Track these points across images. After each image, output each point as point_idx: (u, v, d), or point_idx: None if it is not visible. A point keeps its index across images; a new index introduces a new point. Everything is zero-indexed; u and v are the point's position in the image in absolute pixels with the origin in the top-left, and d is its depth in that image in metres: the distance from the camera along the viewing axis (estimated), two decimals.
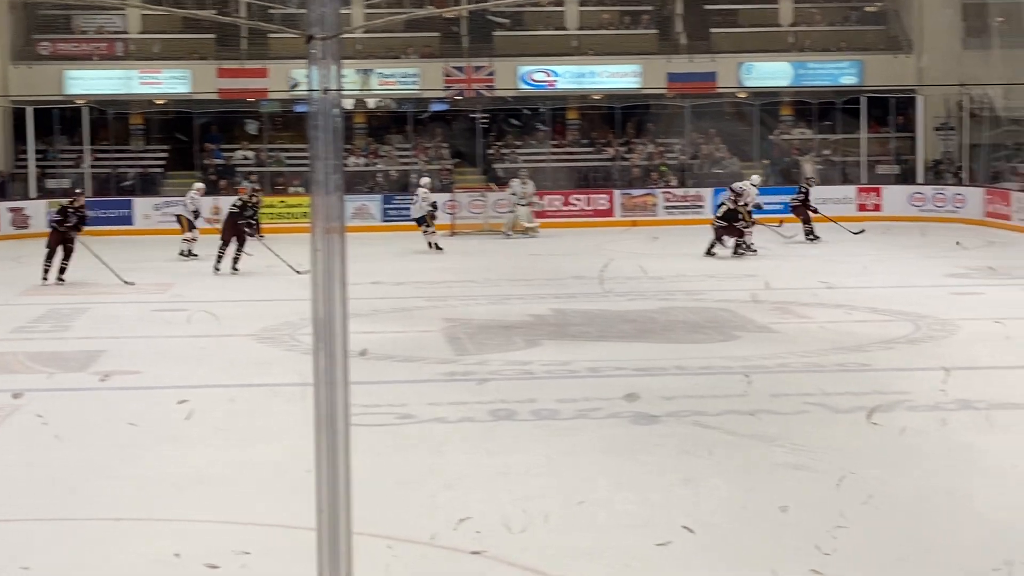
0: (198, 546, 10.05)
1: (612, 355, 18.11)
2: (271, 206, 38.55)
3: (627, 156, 42.46)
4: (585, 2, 44.26)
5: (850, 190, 40.27)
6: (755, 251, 30.07)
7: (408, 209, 35.89)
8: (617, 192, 39.90)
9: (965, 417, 14.04)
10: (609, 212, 39.16)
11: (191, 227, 32.06)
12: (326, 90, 6.72)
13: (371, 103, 44.27)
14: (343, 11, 7.12)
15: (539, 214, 37.54)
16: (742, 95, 43.22)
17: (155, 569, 9.69)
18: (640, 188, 40.45)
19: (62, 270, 26.59)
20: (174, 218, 33.75)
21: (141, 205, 39.10)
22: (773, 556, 9.78)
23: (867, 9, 44.90)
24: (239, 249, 27.77)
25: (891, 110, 42.85)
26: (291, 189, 40.12)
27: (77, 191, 30.38)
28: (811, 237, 33.04)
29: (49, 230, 27.40)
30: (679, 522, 10.34)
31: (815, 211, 33.76)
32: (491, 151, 42.85)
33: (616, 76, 42.86)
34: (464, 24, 42.87)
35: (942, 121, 42.11)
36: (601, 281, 23.83)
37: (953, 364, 16.29)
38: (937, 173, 41.36)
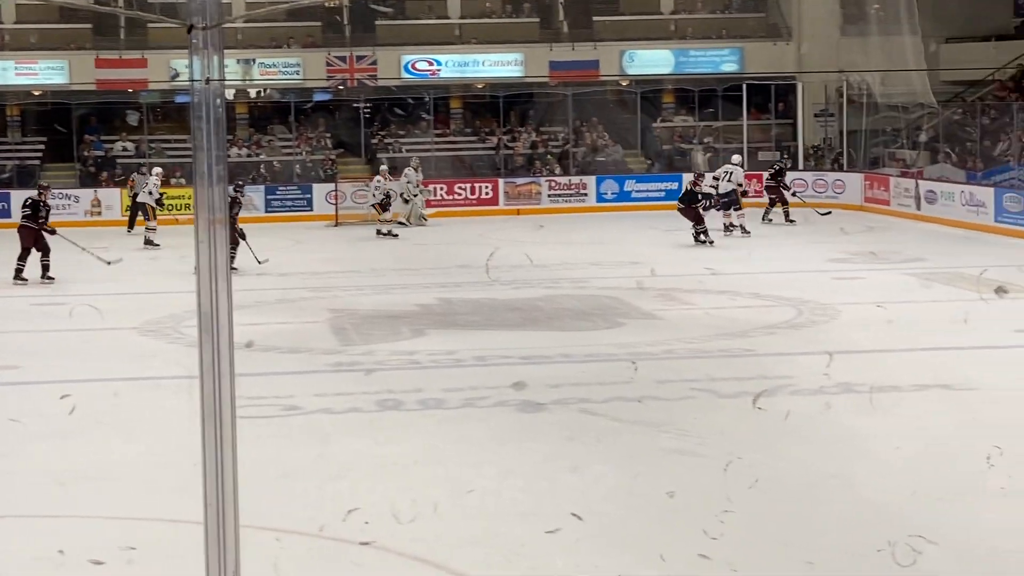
0: (82, 543, 9.93)
1: (498, 344, 18.15)
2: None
3: (510, 145, 42.50)
4: None
5: None
6: (748, 232, 31.10)
7: (294, 200, 35.76)
8: (501, 181, 39.91)
9: (848, 401, 14.23)
10: (494, 201, 39.17)
11: (154, 215, 32.30)
12: (208, 80, 6.65)
13: (253, 93, 43.93)
14: (224, 0, 7.06)
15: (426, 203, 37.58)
16: (624, 83, 43.40)
17: (38, 567, 9.57)
18: (524, 176, 40.49)
19: (46, 267, 25.52)
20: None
21: (18, 198, 38.39)
22: (661, 541, 9.85)
23: None
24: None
25: (771, 97, 43.22)
26: (173, 181, 39.69)
27: (43, 184, 29.80)
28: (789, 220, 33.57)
29: (20, 226, 25.73)
30: (567, 509, 10.37)
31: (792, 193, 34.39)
32: (375, 141, 42.69)
33: (499, 65, 42.86)
34: (347, 13, 42.66)
35: (821, 108, 42.57)
36: (487, 270, 23.85)
37: (836, 348, 16.49)
38: (817, 159, 41.81)
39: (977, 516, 10.46)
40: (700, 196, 30.00)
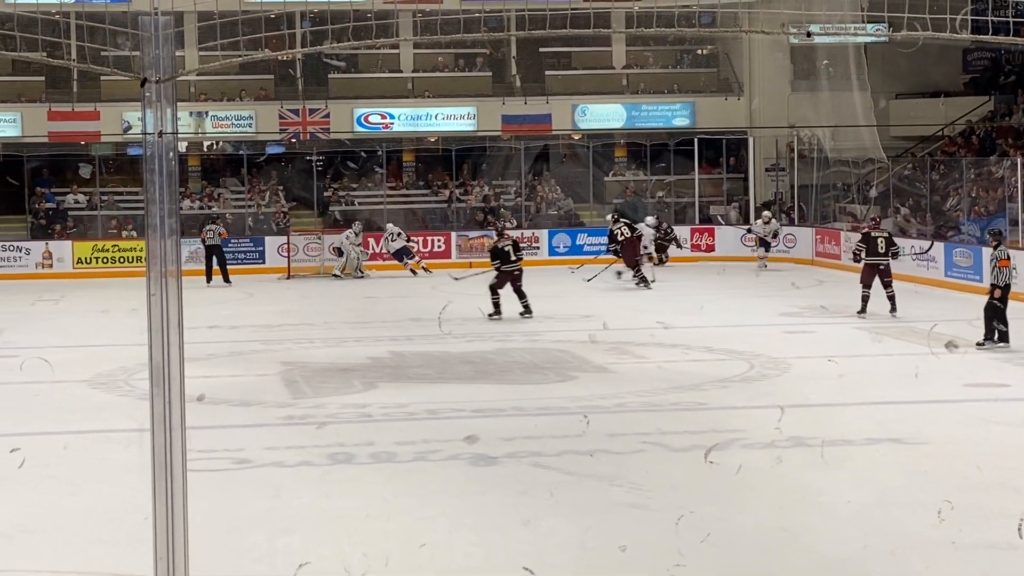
0: None
1: (450, 397, 18.11)
2: (104, 250, 38.14)
3: (463, 198, 42.58)
4: (419, 45, 44.31)
5: (684, 230, 40.72)
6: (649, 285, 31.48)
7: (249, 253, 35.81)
8: (454, 234, 39.99)
9: (800, 454, 14.25)
10: (446, 254, 39.21)
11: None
12: (160, 133, 6.67)
13: (206, 145, 43.91)
14: (177, 53, 7.07)
15: (375, 256, 37.74)
16: (576, 137, 43.60)
17: None
18: (476, 230, 40.55)
19: None
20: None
21: None
22: None
23: (699, 52, 45.63)
24: None
25: (723, 151, 43.46)
26: (124, 233, 39.60)
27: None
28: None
29: None
30: (519, 563, 10.34)
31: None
32: (328, 194, 42.70)
33: (451, 119, 43.00)
34: (299, 66, 42.74)
35: (773, 162, 42.82)
36: (439, 323, 23.84)
37: (787, 402, 16.53)
38: (769, 213, 41.96)
39: (929, 570, 10.49)
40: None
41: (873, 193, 39.61)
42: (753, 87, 43.17)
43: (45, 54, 11.89)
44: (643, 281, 31.49)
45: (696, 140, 42.50)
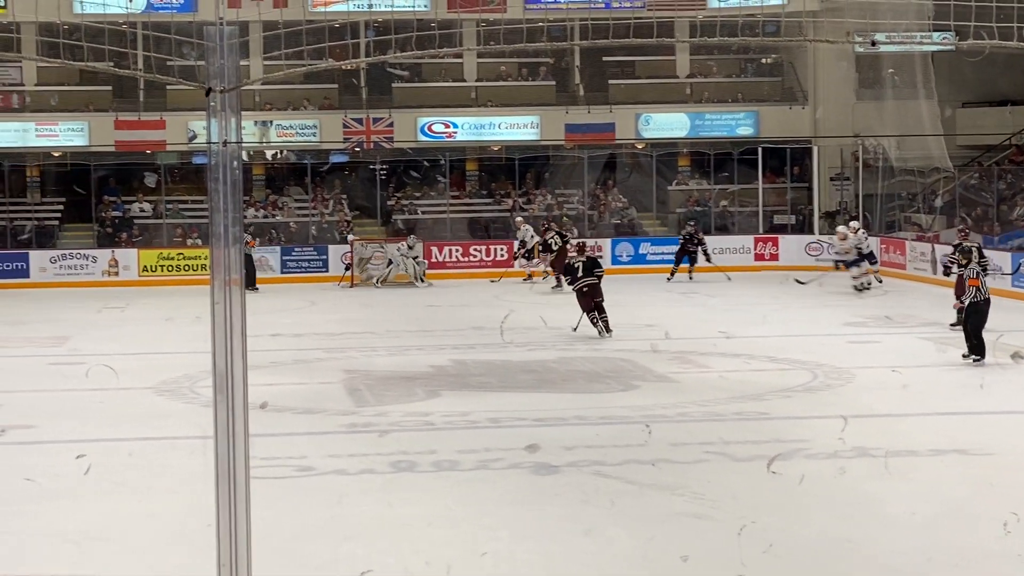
0: None
1: (512, 405, 18.11)
2: (169, 258, 38.42)
3: (526, 207, 42.58)
4: (483, 54, 44.38)
5: (748, 240, 40.60)
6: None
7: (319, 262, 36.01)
8: (516, 242, 39.95)
9: (863, 465, 14.17)
10: (508, 263, 39.20)
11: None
12: (225, 142, 6.70)
13: (270, 154, 44.12)
14: (242, 63, 7.11)
15: (435, 264, 37.93)
16: (640, 146, 43.50)
17: None
18: (540, 238, 40.51)
19: None
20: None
21: (37, 258, 38.63)
22: None
23: (763, 61, 45.44)
24: None
25: (787, 160, 43.27)
26: (189, 241, 39.85)
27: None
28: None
29: None
30: (581, 573, 10.34)
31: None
32: (391, 203, 42.80)
33: (515, 128, 42.98)
34: (363, 76, 42.88)
35: (837, 171, 42.57)
36: (501, 332, 23.84)
37: (851, 412, 16.43)
38: (833, 223, 41.77)
39: None
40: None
41: (938, 203, 39.35)
42: (818, 96, 42.97)
43: (112, 64, 12.00)
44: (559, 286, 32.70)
45: (760, 149, 42.37)
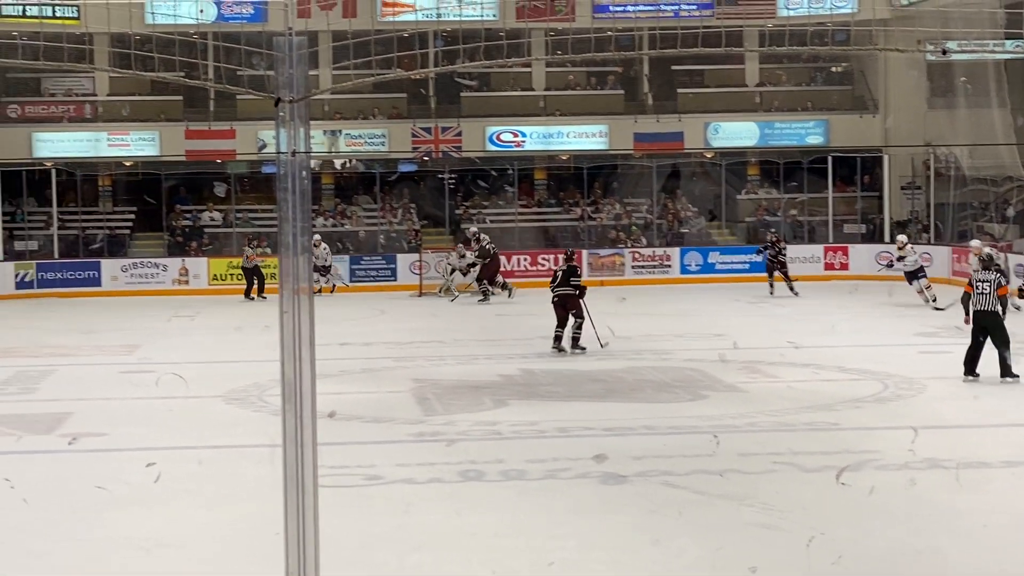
0: None
1: (580, 415, 18.08)
2: (239, 267, 38.64)
3: (594, 216, 42.57)
4: (551, 63, 44.45)
5: (817, 249, 40.43)
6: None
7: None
8: (585, 252, 39.97)
9: (934, 477, 14.05)
10: None
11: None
12: (294, 152, 6.74)
13: (339, 163, 44.33)
14: (311, 73, 7.15)
15: (506, 274, 37.85)
16: (709, 155, 43.41)
17: None
18: (608, 248, 40.52)
19: None
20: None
21: (109, 267, 39.00)
22: None
23: (833, 70, 45.24)
24: None
25: (857, 169, 43.08)
26: (259, 250, 40.09)
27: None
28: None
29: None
30: None
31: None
32: (459, 212, 42.92)
33: (583, 136, 43.02)
34: (432, 85, 43.03)
35: (908, 180, 42.32)
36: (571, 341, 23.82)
37: (921, 423, 16.30)
38: (904, 232, 41.52)
39: None
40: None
41: (1011, 212, 39.02)
42: (888, 105, 42.76)
43: (183, 74, 12.09)
44: (486, 297, 33.35)
45: (830, 158, 42.23)
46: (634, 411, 18.50)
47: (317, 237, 36.72)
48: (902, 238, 33.54)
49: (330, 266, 36.69)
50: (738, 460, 14.89)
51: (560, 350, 23.84)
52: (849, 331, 26.99)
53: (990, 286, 19.43)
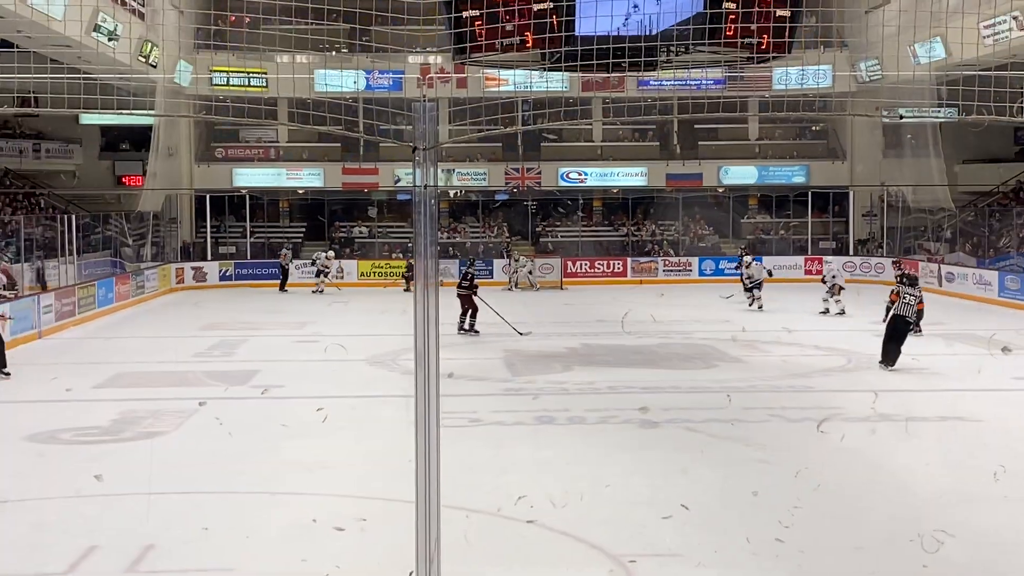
0: (328, 514, 10.04)
1: (626, 377, 18.04)
2: (380, 267, 38.78)
3: (636, 233, 42.41)
4: (607, 122, 44.30)
5: (799, 259, 40.09)
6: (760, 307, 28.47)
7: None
8: (629, 259, 39.80)
9: (888, 427, 13.90)
10: (623, 274, 39.03)
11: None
12: (425, 186, 6.74)
13: (452, 193, 44.47)
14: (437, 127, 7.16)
15: (570, 274, 37.84)
16: (720, 190, 43.13)
17: (298, 531, 9.69)
18: (645, 257, 40.33)
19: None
20: (314, 272, 35.90)
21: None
22: (747, 527, 9.70)
23: (813, 128, 44.77)
24: None
25: (830, 201, 42.68)
26: (394, 255, 40.26)
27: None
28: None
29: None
30: (677, 501, 10.26)
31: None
32: (539, 229, 42.93)
33: (628, 175, 42.87)
34: (519, 137, 43.04)
35: (867, 210, 41.94)
36: (623, 324, 23.73)
37: (878, 388, 16.14)
38: (864, 248, 41.15)
39: (983, 517, 10.15)
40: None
41: (946, 234, 38.53)
42: (854, 154, 42.32)
43: (343, 128, 12.16)
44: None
45: (809, 193, 41.89)
46: (665, 375, 18.44)
47: (331, 253, 36.74)
48: (748, 258, 30.77)
49: (329, 271, 35.82)
50: (742, 412, 14.80)
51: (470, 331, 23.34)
52: (827, 320, 26.72)
53: (914, 299, 19.02)
